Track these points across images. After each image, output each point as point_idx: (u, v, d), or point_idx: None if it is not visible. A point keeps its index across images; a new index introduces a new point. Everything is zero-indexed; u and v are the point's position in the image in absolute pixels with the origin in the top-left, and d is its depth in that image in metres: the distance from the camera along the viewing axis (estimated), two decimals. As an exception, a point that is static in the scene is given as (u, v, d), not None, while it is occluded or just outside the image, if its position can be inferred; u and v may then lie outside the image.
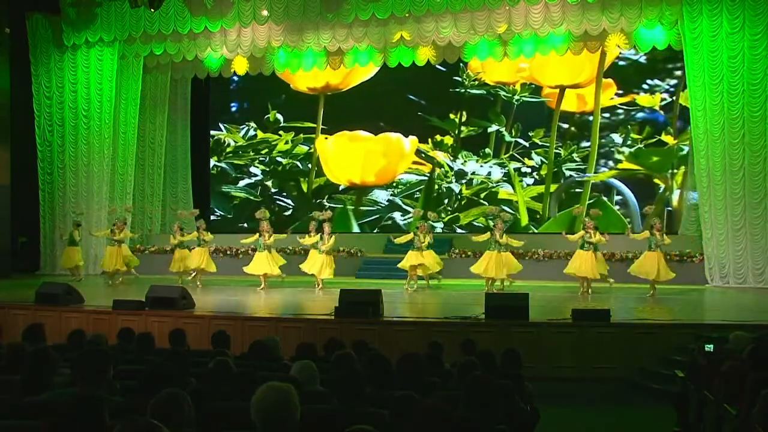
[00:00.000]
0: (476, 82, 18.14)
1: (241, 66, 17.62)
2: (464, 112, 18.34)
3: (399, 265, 13.88)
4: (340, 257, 15.62)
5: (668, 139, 16.79)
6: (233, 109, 20.58)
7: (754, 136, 13.56)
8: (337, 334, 7.92)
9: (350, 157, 19.12)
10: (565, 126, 17.74)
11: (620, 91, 17.21)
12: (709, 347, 6.91)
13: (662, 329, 9.33)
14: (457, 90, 18.31)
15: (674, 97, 16.73)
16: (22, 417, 3.70)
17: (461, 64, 17.77)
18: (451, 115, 18.41)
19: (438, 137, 18.44)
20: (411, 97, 18.65)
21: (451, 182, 18.47)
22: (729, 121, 13.63)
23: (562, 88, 17.57)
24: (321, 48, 16.41)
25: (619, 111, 17.25)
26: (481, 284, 13.80)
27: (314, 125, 19.39)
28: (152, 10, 14.70)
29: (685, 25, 13.92)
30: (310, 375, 4.43)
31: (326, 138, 19.22)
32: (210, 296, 13.09)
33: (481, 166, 18.18)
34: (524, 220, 17.59)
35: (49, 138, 17.55)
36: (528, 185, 17.94)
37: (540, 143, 17.72)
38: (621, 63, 17.23)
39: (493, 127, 18.10)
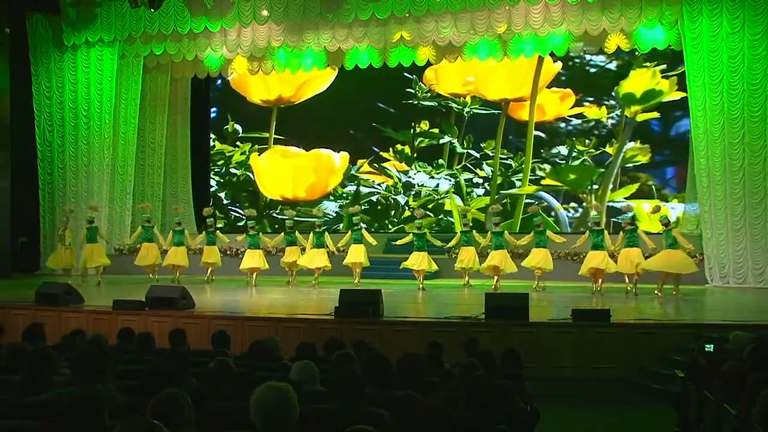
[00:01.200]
0: (429, 94, 18.50)
1: (241, 66, 17.63)
2: (426, 122, 18.65)
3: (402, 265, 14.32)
4: (340, 257, 15.72)
5: (611, 150, 17.24)
6: (212, 115, 20.81)
7: (754, 136, 13.56)
8: (337, 334, 7.91)
9: (281, 172, 19.65)
10: (520, 137, 18.06)
11: (590, 98, 17.50)
12: (709, 347, 6.91)
13: (662, 329, 9.33)
14: (410, 101, 18.68)
15: (621, 109, 17.22)
16: (22, 417, 3.70)
17: (413, 76, 18.27)
18: (426, 125, 18.68)
19: (399, 146, 18.78)
20: (368, 107, 18.99)
21: (399, 194, 18.81)
22: (729, 121, 13.63)
23: (507, 101, 17.96)
24: (321, 48, 16.42)
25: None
26: (481, 284, 13.94)
27: (279, 137, 19.85)
28: (152, 10, 14.70)
29: (685, 25, 13.93)
30: (310, 375, 4.43)
31: (258, 154, 19.82)
32: (210, 296, 13.09)
33: (432, 177, 18.43)
34: (458, 227, 17.06)
35: (49, 138, 17.55)
36: (479, 196, 18.29)
37: (491, 154, 18.13)
38: (592, 70, 17.51)
39: (446, 139, 18.48)
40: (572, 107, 17.52)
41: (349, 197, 19.08)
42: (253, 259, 14.86)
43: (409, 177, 18.71)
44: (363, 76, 17.48)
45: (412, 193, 18.57)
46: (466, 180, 18.31)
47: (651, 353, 8.93)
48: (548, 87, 17.68)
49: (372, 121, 18.94)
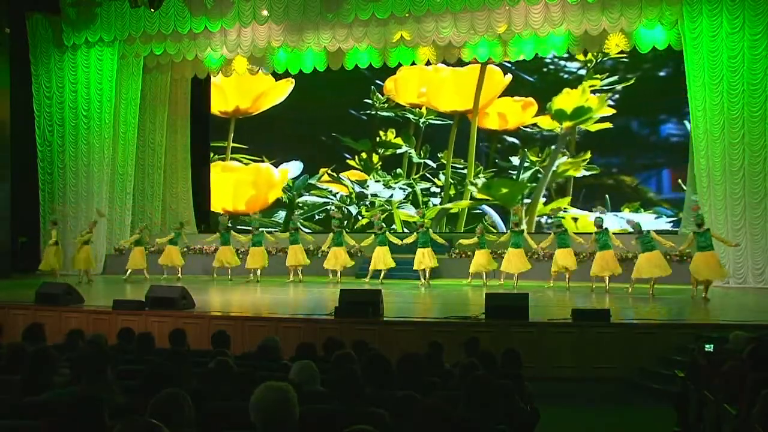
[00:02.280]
0: (386, 105, 18.85)
1: (241, 66, 17.63)
2: (393, 131, 18.92)
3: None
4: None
5: (569, 163, 17.52)
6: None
7: (754, 136, 13.55)
8: (337, 334, 7.91)
9: (223, 186, 20.21)
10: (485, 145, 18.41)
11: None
12: (709, 347, 6.91)
13: (662, 329, 9.33)
14: (369, 112, 19.04)
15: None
16: (22, 417, 3.71)
17: (372, 87, 18.68)
18: (393, 134, 18.96)
19: (364, 155, 19.09)
20: (339, 115, 19.32)
21: (353, 203, 19.09)
22: (729, 121, 13.63)
23: (457, 113, 18.38)
24: (321, 48, 16.42)
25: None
26: (480, 284, 13.98)
27: (242, 146, 20.25)
28: (152, 10, 14.71)
29: (685, 25, 13.93)
30: (310, 375, 4.43)
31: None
32: (210, 296, 13.10)
33: (388, 187, 18.66)
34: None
35: (49, 138, 17.55)
36: (435, 205, 18.60)
37: (446, 164, 18.48)
38: (566, 77, 17.68)
39: (404, 149, 18.80)
40: (536, 115, 17.83)
41: (306, 207, 19.37)
42: (255, 258, 15.56)
43: (363, 188, 19.02)
44: (313, 88, 18.18)
45: (366, 203, 18.69)
46: (423, 189, 18.67)
47: (651, 353, 8.93)
48: (512, 96, 17.99)
49: (340, 130, 19.30)
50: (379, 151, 19.01)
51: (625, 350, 9.02)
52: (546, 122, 17.63)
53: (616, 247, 13.31)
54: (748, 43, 13.48)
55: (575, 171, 17.46)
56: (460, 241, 15.31)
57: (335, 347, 6.09)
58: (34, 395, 3.99)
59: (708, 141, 13.86)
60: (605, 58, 17.06)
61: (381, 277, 15.05)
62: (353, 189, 19.11)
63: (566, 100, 17.54)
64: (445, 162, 18.42)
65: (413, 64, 16.94)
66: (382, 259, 15.04)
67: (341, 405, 3.79)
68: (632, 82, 16.95)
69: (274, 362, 5.86)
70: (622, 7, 14.21)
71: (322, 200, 19.27)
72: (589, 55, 16.99)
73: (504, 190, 17.38)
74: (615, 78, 17.17)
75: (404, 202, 18.55)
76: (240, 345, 8.62)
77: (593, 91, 17.25)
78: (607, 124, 17.20)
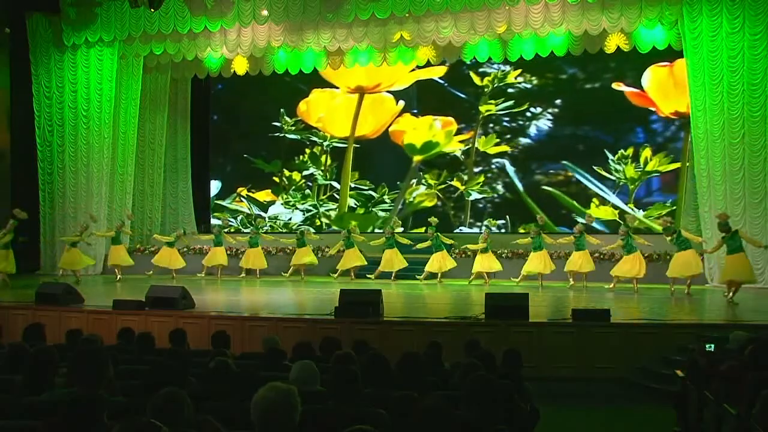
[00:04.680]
0: (294, 128, 19.30)
1: (241, 66, 17.63)
2: (310, 152, 19.37)
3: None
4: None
5: (457, 184, 18.15)
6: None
7: (754, 136, 13.55)
8: (337, 334, 7.92)
9: None
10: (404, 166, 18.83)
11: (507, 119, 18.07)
12: (710, 347, 6.90)
13: (662, 329, 9.33)
14: (277, 135, 19.52)
15: (473, 144, 18.07)
16: (23, 417, 3.71)
17: (281, 110, 19.32)
18: (306, 156, 19.39)
19: (287, 173, 19.45)
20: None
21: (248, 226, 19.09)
22: (729, 121, 13.63)
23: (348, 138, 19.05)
24: (321, 48, 16.41)
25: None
26: (479, 284, 13.96)
27: None
28: (152, 10, 14.70)
29: (685, 25, 13.93)
30: (310, 375, 4.43)
31: None
32: (210, 296, 13.09)
33: (295, 208, 19.03)
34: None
35: (49, 138, 17.53)
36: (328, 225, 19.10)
37: (354, 185, 18.98)
38: (510, 90, 17.94)
39: (311, 170, 19.28)
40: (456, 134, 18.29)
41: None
42: (249, 258, 16.16)
43: (262, 210, 19.28)
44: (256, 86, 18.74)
45: (264, 226, 18.55)
46: (329, 210, 19.14)
47: (651, 353, 8.93)
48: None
49: (259, 147, 19.82)
50: (286, 173, 19.56)
51: (625, 350, 9.02)
52: (450, 143, 18.29)
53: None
54: (748, 43, 13.48)
55: (430, 202, 18.35)
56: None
57: (332, 347, 6.09)
58: (35, 395, 3.99)
59: (708, 141, 13.86)
60: (501, 84, 17.75)
61: (393, 276, 15.36)
62: (252, 211, 19.40)
63: (416, 135, 18.48)
64: (351, 184, 19.02)
65: (413, 63, 16.94)
66: (390, 261, 15.37)
67: (341, 405, 3.79)
68: (525, 107, 17.67)
69: (273, 362, 5.85)
70: (622, 7, 14.20)
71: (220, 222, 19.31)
72: (486, 80, 17.83)
73: (354, 223, 17.54)
74: (511, 102, 17.80)
75: (303, 225, 18.54)
76: (240, 345, 8.63)
77: (489, 115, 17.91)
78: (505, 147, 17.88)
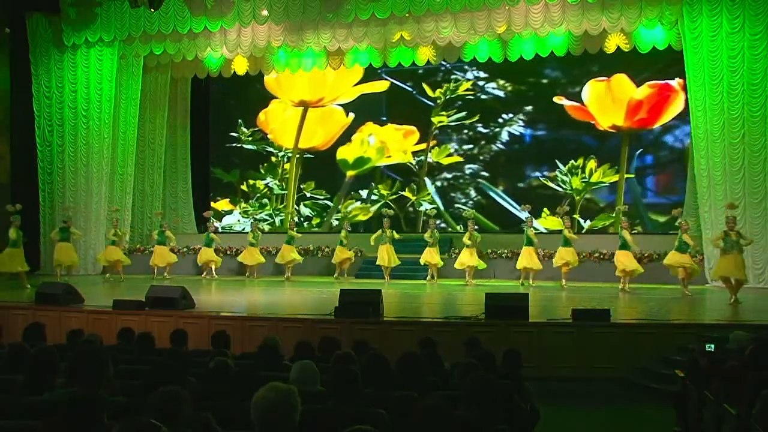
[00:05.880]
0: (251, 138, 19.56)
1: (241, 66, 17.63)
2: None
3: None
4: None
5: (408, 194, 18.56)
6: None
7: (754, 136, 13.56)
8: (337, 334, 7.91)
9: None
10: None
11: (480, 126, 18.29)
12: (710, 347, 6.90)
13: (662, 329, 9.33)
14: (234, 145, 19.82)
15: (425, 156, 18.46)
16: (23, 417, 3.71)
17: (239, 120, 19.68)
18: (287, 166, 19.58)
19: (251, 182, 19.76)
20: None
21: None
22: (729, 121, 13.63)
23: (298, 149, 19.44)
24: (321, 48, 16.42)
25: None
26: (480, 284, 13.99)
27: None
28: (152, 10, 14.70)
29: (685, 25, 13.93)
30: (310, 375, 4.43)
31: None
32: (210, 296, 13.10)
33: (253, 218, 18.78)
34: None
35: (49, 138, 17.53)
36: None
37: (309, 195, 19.26)
38: (484, 97, 18.20)
39: (267, 180, 19.54)
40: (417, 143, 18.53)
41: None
42: (249, 256, 16.27)
43: (216, 219, 19.19)
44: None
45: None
46: (280, 220, 19.29)
47: (651, 353, 8.92)
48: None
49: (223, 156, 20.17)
50: (250, 182, 19.77)
51: (625, 350, 9.01)
52: (400, 156, 18.58)
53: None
54: (748, 43, 13.48)
55: (364, 215, 18.66)
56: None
57: (331, 347, 6.09)
58: (35, 395, 3.99)
59: (708, 141, 13.86)
60: (453, 95, 18.14)
61: (387, 275, 15.35)
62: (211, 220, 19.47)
63: (349, 151, 18.96)
64: (306, 193, 19.29)
65: (413, 64, 16.95)
66: (386, 257, 15.31)
67: (341, 405, 3.79)
68: (476, 119, 17.98)
69: (274, 362, 5.85)
70: (622, 7, 14.20)
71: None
72: (438, 92, 18.13)
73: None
74: (463, 114, 18.06)
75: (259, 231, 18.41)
76: (240, 345, 8.62)
77: (442, 127, 18.29)
78: (458, 158, 18.25)
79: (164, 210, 19.23)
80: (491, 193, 17.99)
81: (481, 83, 18.20)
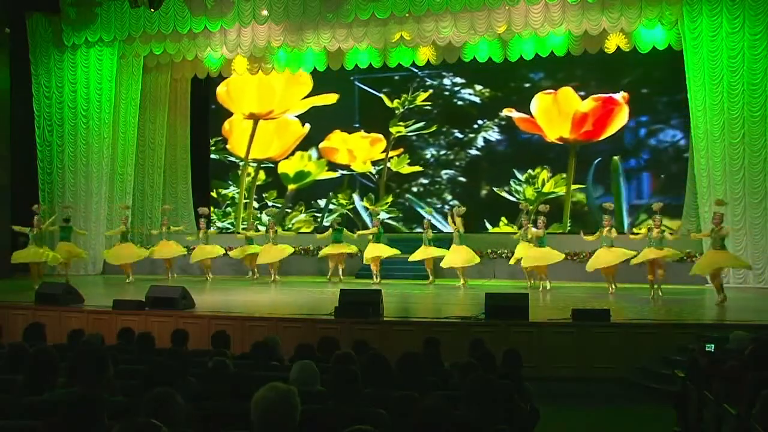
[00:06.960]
0: (213, 148, 19.74)
1: (241, 66, 17.63)
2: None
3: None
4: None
5: (367, 203, 18.29)
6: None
7: (754, 136, 13.55)
8: (336, 334, 7.92)
9: None
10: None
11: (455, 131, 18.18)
12: (710, 347, 6.91)
13: (662, 329, 9.33)
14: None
15: (385, 164, 18.38)
16: (23, 417, 3.71)
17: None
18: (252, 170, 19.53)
19: (221, 191, 19.90)
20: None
21: None
22: (729, 121, 13.62)
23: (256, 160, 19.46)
24: (321, 48, 16.40)
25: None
26: (480, 284, 13.97)
27: None
28: (152, 10, 14.70)
29: (685, 25, 13.92)
30: (310, 375, 4.43)
31: None
32: (210, 296, 13.10)
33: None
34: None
35: (48, 138, 17.53)
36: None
37: (270, 203, 19.16)
38: (460, 103, 18.06)
39: (231, 188, 19.72)
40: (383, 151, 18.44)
41: None
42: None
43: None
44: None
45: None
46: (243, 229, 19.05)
47: (651, 353, 8.93)
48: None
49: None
50: (220, 191, 19.84)
51: (625, 350, 9.02)
52: (358, 165, 18.47)
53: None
54: (748, 43, 13.48)
55: (308, 228, 18.68)
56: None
57: (330, 347, 6.09)
58: (35, 395, 3.99)
59: (708, 141, 13.86)
60: (412, 106, 18.06)
61: (377, 270, 15.05)
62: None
63: (290, 165, 19.01)
64: (268, 202, 19.21)
65: (413, 64, 16.93)
66: (373, 250, 14.98)
67: (341, 405, 3.79)
68: (434, 129, 18.00)
69: (273, 362, 5.85)
70: (622, 7, 14.20)
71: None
72: (395, 102, 18.13)
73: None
74: (422, 123, 18.07)
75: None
76: (240, 345, 8.62)
77: (400, 137, 18.18)
78: (417, 168, 18.12)
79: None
80: (417, 208, 17.90)
81: (457, 89, 18.00)
